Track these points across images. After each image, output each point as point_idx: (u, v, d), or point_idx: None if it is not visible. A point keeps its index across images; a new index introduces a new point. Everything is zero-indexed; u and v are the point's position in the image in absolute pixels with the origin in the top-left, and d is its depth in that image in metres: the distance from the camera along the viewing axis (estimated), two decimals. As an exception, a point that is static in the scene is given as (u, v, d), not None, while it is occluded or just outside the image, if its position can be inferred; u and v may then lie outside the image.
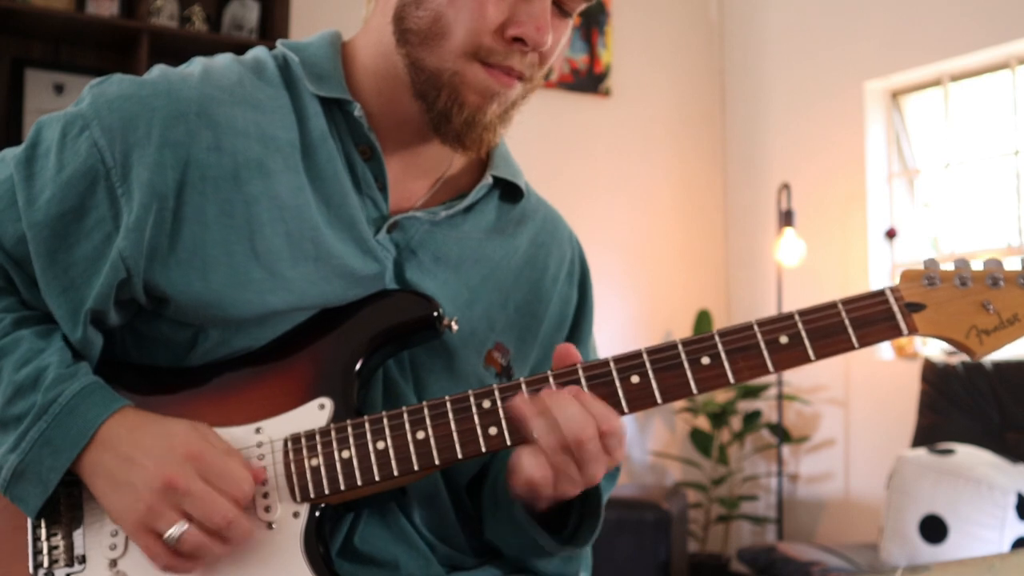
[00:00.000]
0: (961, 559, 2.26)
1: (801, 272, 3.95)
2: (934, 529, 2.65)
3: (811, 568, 2.78)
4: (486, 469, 1.13)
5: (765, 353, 0.95)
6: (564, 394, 0.92)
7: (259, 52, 1.09)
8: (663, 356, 0.95)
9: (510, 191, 1.15)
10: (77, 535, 0.95)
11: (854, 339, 0.95)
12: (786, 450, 4.05)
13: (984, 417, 3.11)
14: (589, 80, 4.19)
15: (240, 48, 1.14)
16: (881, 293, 0.96)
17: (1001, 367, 3.13)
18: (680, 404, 4.12)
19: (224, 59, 1.06)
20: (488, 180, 1.11)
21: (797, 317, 0.95)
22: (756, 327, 0.95)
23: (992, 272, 0.96)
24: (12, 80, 3.15)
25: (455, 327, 1.02)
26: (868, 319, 0.95)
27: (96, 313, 0.97)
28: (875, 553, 2.92)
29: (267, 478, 0.95)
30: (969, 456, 2.75)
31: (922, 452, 2.81)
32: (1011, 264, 0.97)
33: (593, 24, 4.22)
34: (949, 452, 2.78)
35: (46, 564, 0.95)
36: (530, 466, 0.92)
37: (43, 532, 0.96)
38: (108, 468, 0.91)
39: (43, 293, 0.98)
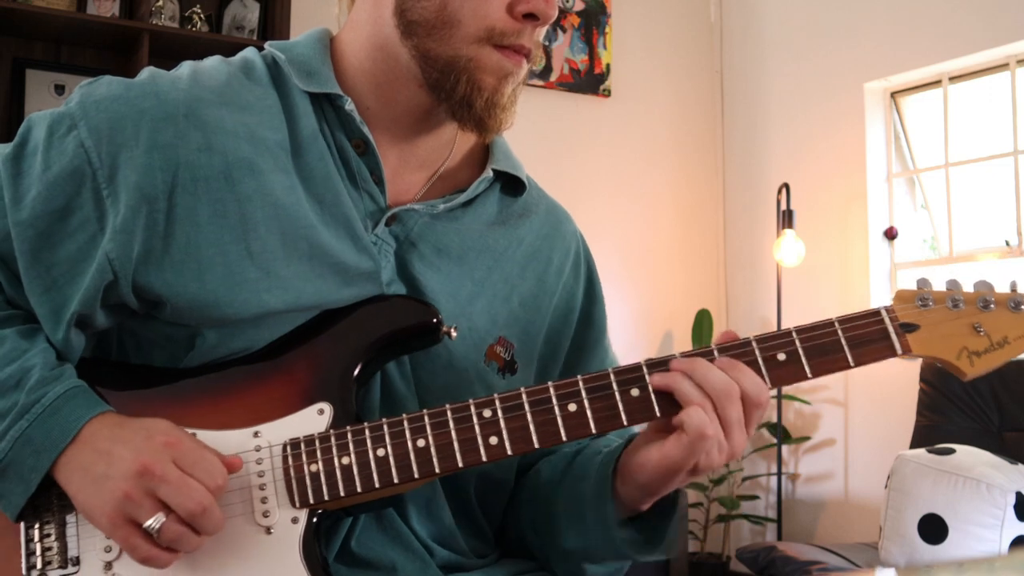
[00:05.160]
0: (959, 560, 2.26)
1: (801, 272, 3.95)
2: (933, 529, 2.65)
3: (811, 568, 2.78)
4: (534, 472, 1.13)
5: (763, 370, 0.96)
6: (711, 363, 0.94)
7: (248, 53, 1.09)
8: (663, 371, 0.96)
9: (511, 184, 1.15)
10: (71, 536, 0.94)
11: (850, 358, 0.97)
12: (786, 450, 4.05)
13: (983, 417, 3.11)
14: (589, 80, 4.19)
15: (241, 49, 1.14)
16: (877, 313, 0.98)
17: (1000, 367, 3.13)
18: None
19: (212, 61, 1.06)
20: (488, 174, 1.11)
21: (795, 335, 0.97)
22: (755, 344, 0.96)
23: (983, 295, 0.99)
24: (13, 80, 3.15)
25: (454, 334, 1.02)
26: (864, 338, 0.97)
27: (82, 316, 0.97)
28: (875, 553, 2.92)
29: (265, 482, 0.95)
30: (968, 456, 2.75)
31: (921, 452, 2.81)
32: (1001, 287, 1.00)
33: (593, 24, 4.22)
34: (948, 452, 2.78)
35: (39, 565, 0.94)
36: (699, 423, 0.91)
37: (36, 533, 0.94)
38: (85, 463, 0.91)
39: (26, 292, 0.97)
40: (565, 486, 1.07)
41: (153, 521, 0.88)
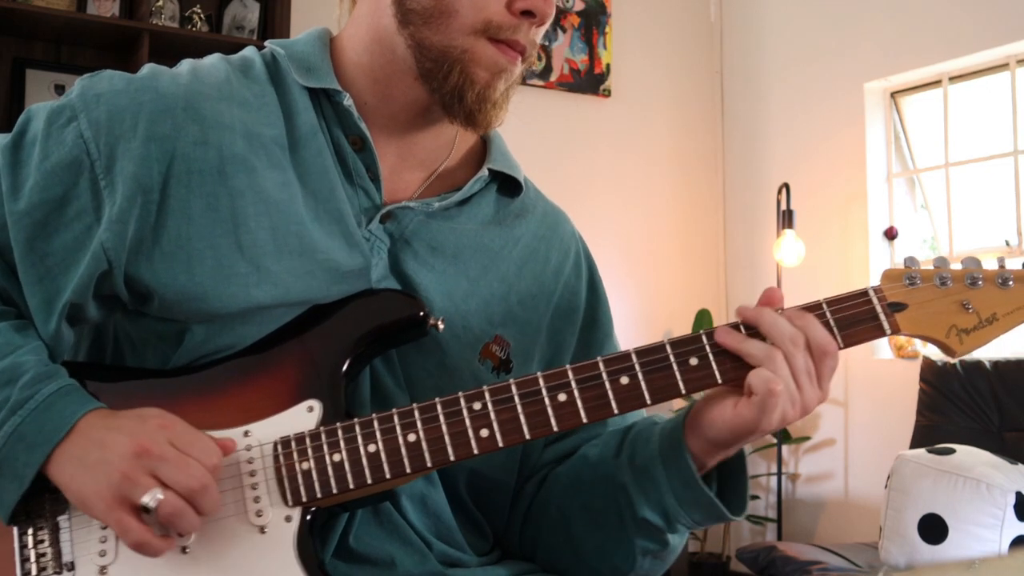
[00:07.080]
0: (942, 562, 2.26)
1: (801, 272, 3.95)
2: (933, 529, 2.65)
3: (811, 568, 2.78)
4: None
5: None
6: (777, 313, 0.94)
7: (247, 52, 1.10)
8: (652, 358, 0.96)
9: (508, 185, 1.15)
10: (64, 541, 0.93)
11: (839, 339, 0.96)
12: (786, 450, 4.05)
13: (983, 417, 3.11)
14: (589, 80, 4.19)
15: (240, 48, 1.15)
16: (864, 293, 0.98)
17: (1000, 367, 3.13)
18: (679, 402, 4.12)
19: (212, 59, 1.07)
20: (484, 173, 1.11)
21: None
22: (743, 328, 0.96)
23: (971, 272, 0.98)
24: (13, 80, 3.15)
25: (441, 326, 1.01)
26: (852, 319, 0.97)
27: (74, 307, 0.97)
28: (875, 553, 2.92)
29: (257, 481, 0.95)
30: (968, 456, 2.75)
31: (921, 452, 2.81)
32: (988, 264, 0.99)
33: (593, 24, 4.22)
34: (948, 452, 2.78)
35: (34, 572, 0.93)
36: (765, 380, 0.91)
37: (29, 539, 0.94)
38: (79, 453, 0.90)
39: (20, 281, 0.97)
40: (624, 455, 1.05)
41: (149, 497, 0.86)
